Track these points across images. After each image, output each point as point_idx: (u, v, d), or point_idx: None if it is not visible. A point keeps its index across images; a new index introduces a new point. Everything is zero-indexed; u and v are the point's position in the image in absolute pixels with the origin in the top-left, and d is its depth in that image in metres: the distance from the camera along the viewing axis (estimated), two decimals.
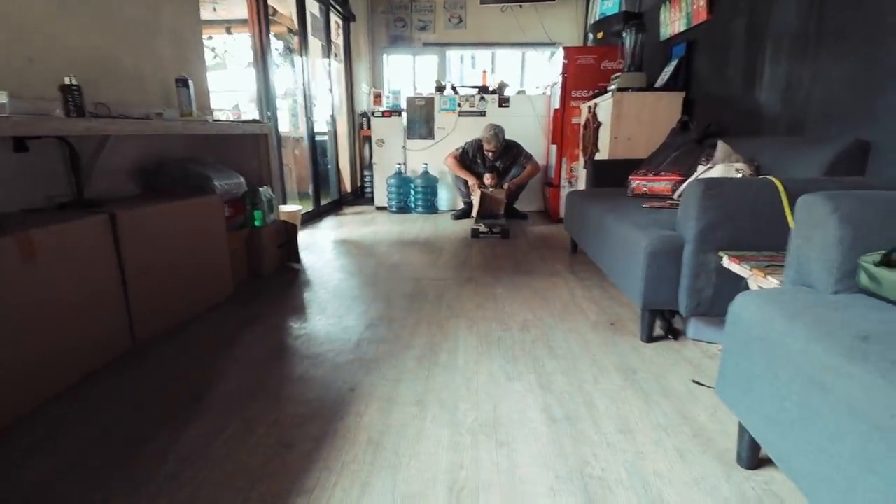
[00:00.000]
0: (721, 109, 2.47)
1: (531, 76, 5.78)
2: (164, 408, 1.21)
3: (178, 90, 2.06)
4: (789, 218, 1.30)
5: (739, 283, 1.32)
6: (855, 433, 0.61)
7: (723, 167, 1.72)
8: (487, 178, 3.71)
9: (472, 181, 3.82)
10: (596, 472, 0.96)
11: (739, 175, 1.66)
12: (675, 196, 1.94)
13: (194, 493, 0.91)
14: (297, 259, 2.55)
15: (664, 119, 2.76)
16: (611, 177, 2.65)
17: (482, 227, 3.30)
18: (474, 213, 3.61)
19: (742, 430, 0.97)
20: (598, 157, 3.05)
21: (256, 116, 3.24)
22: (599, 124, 3.02)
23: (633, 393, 1.26)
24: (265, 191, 2.37)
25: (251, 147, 2.42)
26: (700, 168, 1.85)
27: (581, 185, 3.45)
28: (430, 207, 4.37)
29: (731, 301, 0.95)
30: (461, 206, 4.18)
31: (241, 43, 5.50)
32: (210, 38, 5.16)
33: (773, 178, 1.35)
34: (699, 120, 2.59)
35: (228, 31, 5.42)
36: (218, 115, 2.82)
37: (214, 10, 4.69)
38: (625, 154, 2.81)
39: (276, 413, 1.18)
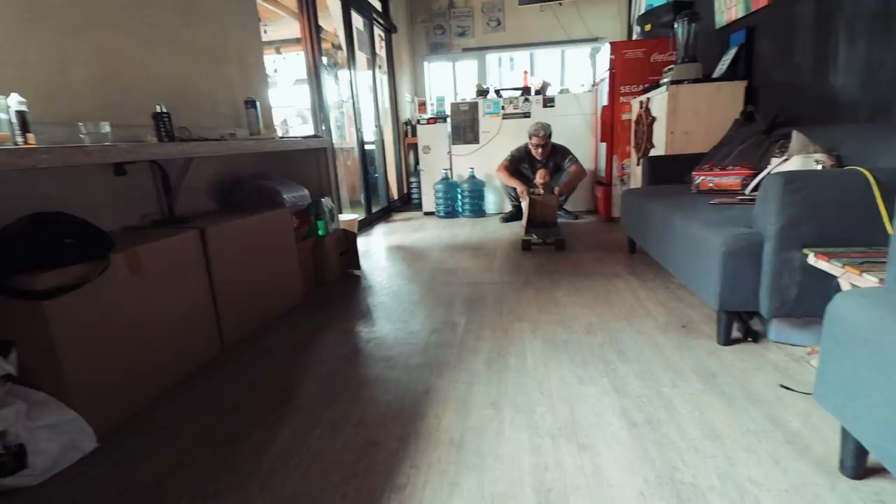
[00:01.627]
0: (789, 97, 2.34)
1: (571, 74, 5.69)
2: (255, 408, 1.29)
3: (247, 111, 2.20)
4: (884, 212, 1.23)
5: (828, 283, 1.25)
6: None
7: (800, 159, 1.64)
8: (539, 177, 3.46)
9: (520, 188, 3.69)
10: (686, 479, 0.94)
11: (819, 167, 1.57)
12: (747, 192, 1.86)
13: (295, 489, 0.98)
14: (358, 266, 2.64)
15: (724, 111, 2.65)
16: (669, 173, 2.57)
17: (535, 238, 2.99)
18: (524, 221, 3.24)
19: (845, 437, 0.92)
20: (653, 153, 2.97)
21: (304, 131, 3.39)
22: (654, 119, 2.94)
23: (715, 397, 1.22)
24: (326, 201, 2.47)
25: (312, 160, 2.54)
26: (774, 161, 1.76)
27: (633, 183, 3.36)
28: (478, 211, 4.39)
29: (818, 301, 0.91)
30: (509, 208, 4.18)
31: (289, 61, 5.78)
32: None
33: (862, 169, 1.27)
34: (765, 110, 2.46)
35: (278, 51, 5.72)
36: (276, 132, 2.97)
37: (265, 31, 4.95)
38: (683, 149, 2.71)
39: (360, 413, 1.23)
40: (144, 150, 1.40)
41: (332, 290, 2.33)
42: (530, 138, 3.80)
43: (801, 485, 0.91)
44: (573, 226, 3.71)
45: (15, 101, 1.16)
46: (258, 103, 2.21)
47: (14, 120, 1.16)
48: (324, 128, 3.41)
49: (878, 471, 0.92)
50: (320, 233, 2.39)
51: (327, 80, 4.63)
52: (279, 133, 3.31)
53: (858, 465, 0.92)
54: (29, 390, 1.14)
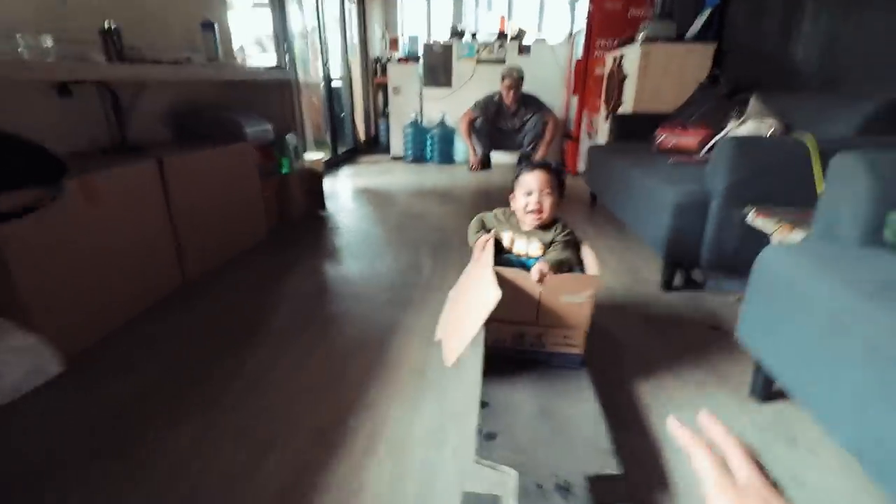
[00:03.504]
0: (754, 63, 2.42)
1: (549, 23, 5.54)
2: (221, 340, 1.32)
3: (205, 34, 2.04)
4: (818, 177, 1.34)
5: (761, 239, 1.38)
6: (871, 366, 0.69)
7: (754, 123, 1.73)
8: (537, 272, 1.02)
9: (480, 243, 1.28)
10: (623, 402, 1.07)
11: (771, 131, 1.67)
12: (701, 153, 1.95)
13: (269, 405, 1.04)
14: (323, 206, 2.62)
15: (693, 72, 2.70)
16: (634, 131, 2.64)
17: None
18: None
19: (757, 369, 1.06)
20: (621, 110, 3.02)
21: (264, 60, 3.18)
22: (625, 76, 2.96)
23: (655, 338, 1.35)
24: (290, 138, 2.39)
25: (275, 94, 2.42)
26: (730, 124, 1.85)
27: (601, 138, 3.43)
28: (448, 158, 4.36)
29: (751, 255, 1.01)
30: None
31: None
32: None
33: (807, 137, 1.37)
34: (730, 74, 2.54)
35: None
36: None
37: None
38: (650, 108, 2.77)
39: (328, 345, 1.29)
40: (94, 70, 1.31)
41: (297, 230, 2.32)
42: (502, 80, 3.77)
43: (719, 408, 1.05)
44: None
45: None
46: (217, 26, 2.06)
47: None
48: (287, 59, 3.22)
49: (778, 395, 1.07)
50: (284, 170, 2.33)
51: (291, 4, 4.31)
52: (237, 61, 3.10)
53: (765, 391, 1.07)
54: None
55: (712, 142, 1.93)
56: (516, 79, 3.75)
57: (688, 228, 1.52)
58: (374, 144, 5.33)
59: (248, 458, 0.91)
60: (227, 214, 1.85)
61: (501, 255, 1.15)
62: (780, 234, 1.22)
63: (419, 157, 4.40)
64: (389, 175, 3.81)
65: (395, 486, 0.85)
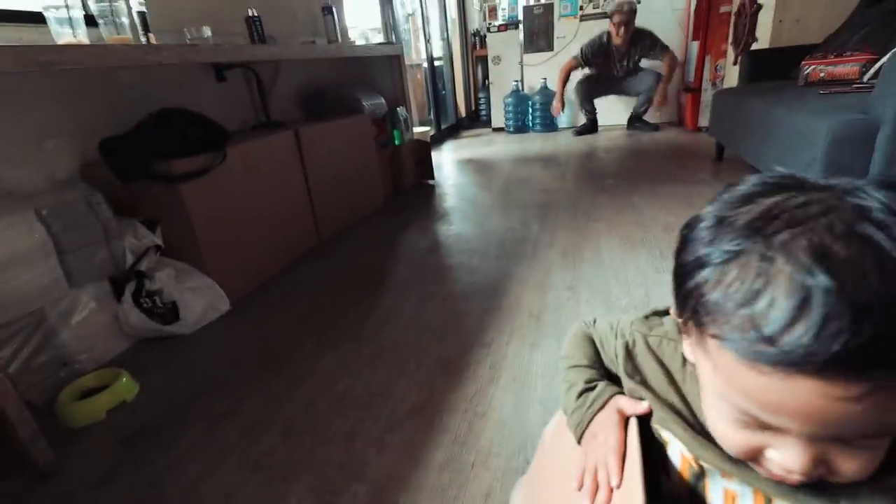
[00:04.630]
0: None
1: None
2: (354, 286, 1.47)
3: (325, 17, 2.22)
4: None
5: None
6: None
7: None
8: None
9: (600, 437, 0.42)
10: None
11: None
12: (866, 79, 1.65)
13: (397, 341, 1.14)
14: (432, 175, 2.72)
15: None
16: (772, 70, 2.30)
17: None
18: None
19: None
20: (755, 48, 2.65)
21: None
22: (759, 7, 2.59)
23: None
24: (401, 111, 2.52)
25: (386, 70, 2.55)
26: None
27: (728, 85, 3.05)
28: (550, 125, 4.22)
29: None
30: (582, 121, 3.98)
31: None
32: None
33: None
34: None
35: None
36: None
37: None
38: (792, 41, 2.39)
39: (446, 290, 1.37)
40: (244, 50, 1.51)
41: (410, 196, 2.45)
42: (611, 18, 3.43)
43: None
44: (653, 137, 3.49)
45: (136, 2, 1.28)
46: (335, 9, 2.23)
47: (137, 20, 1.29)
48: (394, 41, 3.36)
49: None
50: (396, 142, 2.47)
51: None
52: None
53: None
54: (174, 261, 1.37)
55: (877, 65, 1.61)
56: (628, 12, 3.35)
57: (847, 165, 1.31)
58: (476, 118, 5.35)
59: (385, 380, 1.01)
60: (350, 180, 2.02)
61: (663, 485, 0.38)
62: None
63: (521, 127, 4.32)
64: (492, 146, 3.82)
65: (518, 413, 0.88)
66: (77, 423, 0.95)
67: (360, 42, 4.10)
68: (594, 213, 1.93)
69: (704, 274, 0.27)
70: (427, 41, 4.00)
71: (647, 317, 0.39)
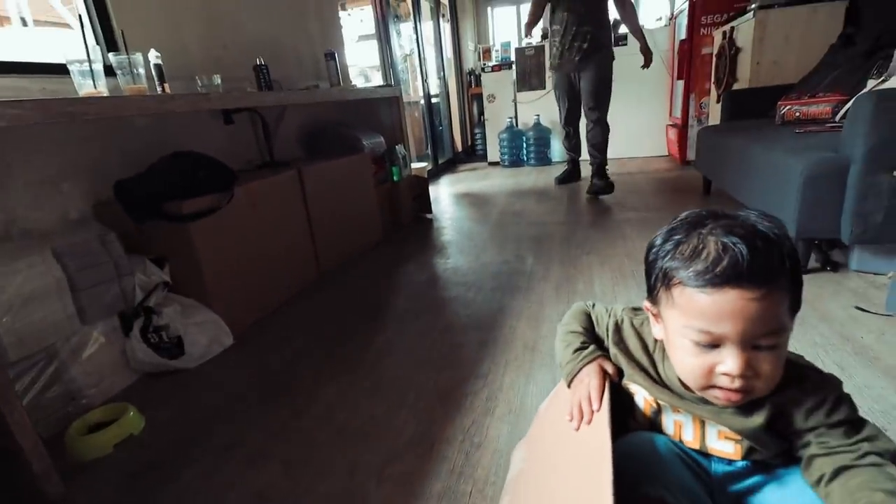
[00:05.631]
0: None
1: (647, 8, 5.28)
2: (354, 319, 1.51)
3: (328, 63, 2.35)
4: None
5: None
6: None
7: None
8: None
9: (582, 394, 0.53)
10: None
11: None
12: (837, 119, 1.75)
13: (396, 373, 1.17)
14: (429, 209, 2.80)
15: (820, 36, 2.41)
16: (751, 108, 2.43)
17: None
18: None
19: None
20: (735, 87, 2.79)
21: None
22: (738, 50, 2.74)
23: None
24: (399, 148, 2.62)
25: (385, 110, 2.67)
26: (870, 83, 1.64)
27: (712, 122, 3.19)
28: (543, 159, 4.36)
29: None
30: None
31: (353, 17, 5.86)
32: None
33: None
34: (868, 30, 2.22)
35: (343, 8, 5.81)
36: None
37: None
38: (769, 81, 2.53)
39: (444, 323, 1.41)
40: (252, 97, 1.60)
41: (408, 230, 2.52)
42: None
43: (864, 386, 0.96)
44: (644, 169, 3.60)
45: (153, 56, 1.38)
46: (336, 55, 2.36)
47: (154, 72, 1.39)
48: (392, 82, 3.52)
49: None
50: (395, 178, 2.56)
51: (391, 32, 4.69)
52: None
53: None
54: (180, 297, 1.42)
55: (847, 105, 1.72)
56: None
57: (822, 201, 1.39)
58: (472, 153, 5.51)
59: (384, 411, 1.04)
60: (350, 216, 2.09)
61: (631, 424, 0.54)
62: None
63: (516, 161, 4.46)
64: (488, 179, 3.93)
65: (514, 442, 0.91)
66: (85, 457, 0.97)
67: (359, 80, 4.28)
68: (586, 245, 2.00)
69: (666, 256, 0.45)
70: (424, 80, 4.17)
71: (634, 308, 0.58)
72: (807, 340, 1.14)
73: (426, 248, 2.19)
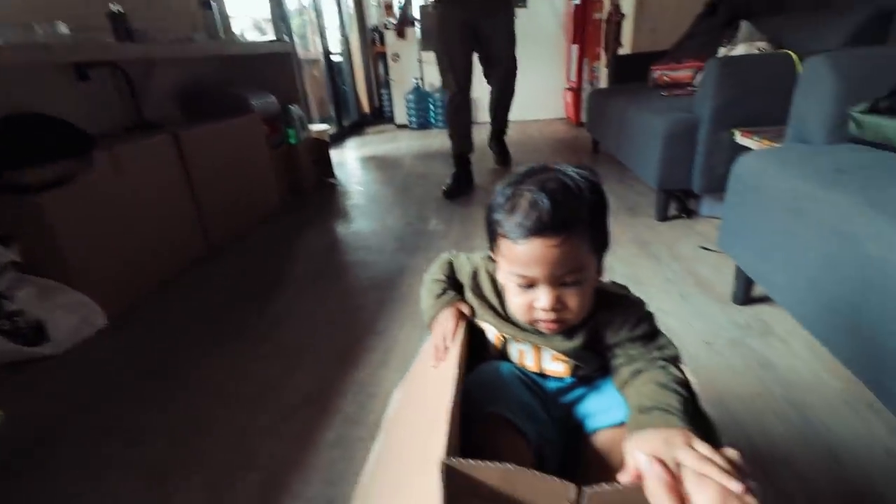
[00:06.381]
0: None
1: None
2: (248, 288, 1.46)
3: (204, 12, 2.12)
4: None
5: None
6: (823, 242, 0.76)
7: (744, 47, 1.74)
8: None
9: (441, 332, 0.57)
10: None
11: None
12: (696, 83, 1.96)
13: (291, 339, 1.17)
14: (332, 174, 2.72)
15: (691, 6, 2.64)
16: (634, 72, 2.63)
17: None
18: None
19: (738, 273, 1.14)
20: (620, 52, 2.99)
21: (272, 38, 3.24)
22: (623, 17, 2.93)
23: (645, 259, 1.43)
24: (295, 109, 2.48)
25: (276, 68, 2.49)
26: (721, 51, 1.85)
27: (602, 84, 3.41)
28: None
29: None
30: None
31: None
32: None
33: (790, 52, 1.39)
34: (729, 3, 2.48)
35: None
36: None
37: None
38: (649, 47, 2.75)
39: (344, 286, 1.42)
40: (108, 49, 1.41)
41: (308, 196, 2.43)
42: None
43: (700, 311, 1.14)
44: (543, 131, 3.78)
45: None
46: (215, 4, 2.13)
47: None
48: (286, 37, 3.27)
49: (759, 299, 1.15)
50: (291, 141, 2.43)
51: None
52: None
53: (745, 294, 1.14)
54: (39, 279, 1.26)
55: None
56: None
57: (678, 156, 1.57)
58: (380, 115, 5.36)
59: (278, 374, 1.04)
60: (241, 183, 1.97)
61: (486, 356, 0.60)
62: (762, 147, 1.27)
63: (424, 124, 4.43)
64: (395, 142, 3.88)
65: None
66: None
67: (251, 34, 3.93)
68: (487, 200, 2.07)
69: (496, 210, 0.49)
70: (322, 35, 3.93)
71: (490, 257, 0.58)
72: (661, 276, 1.31)
73: (328, 214, 2.14)
